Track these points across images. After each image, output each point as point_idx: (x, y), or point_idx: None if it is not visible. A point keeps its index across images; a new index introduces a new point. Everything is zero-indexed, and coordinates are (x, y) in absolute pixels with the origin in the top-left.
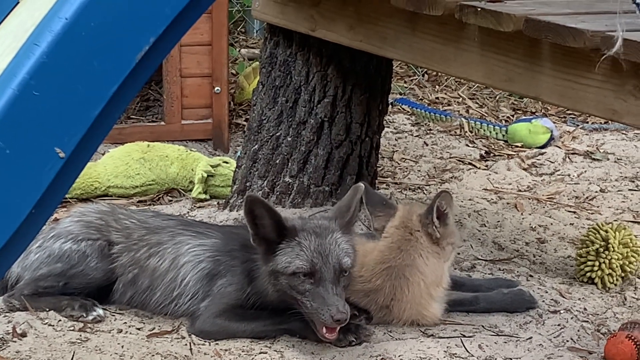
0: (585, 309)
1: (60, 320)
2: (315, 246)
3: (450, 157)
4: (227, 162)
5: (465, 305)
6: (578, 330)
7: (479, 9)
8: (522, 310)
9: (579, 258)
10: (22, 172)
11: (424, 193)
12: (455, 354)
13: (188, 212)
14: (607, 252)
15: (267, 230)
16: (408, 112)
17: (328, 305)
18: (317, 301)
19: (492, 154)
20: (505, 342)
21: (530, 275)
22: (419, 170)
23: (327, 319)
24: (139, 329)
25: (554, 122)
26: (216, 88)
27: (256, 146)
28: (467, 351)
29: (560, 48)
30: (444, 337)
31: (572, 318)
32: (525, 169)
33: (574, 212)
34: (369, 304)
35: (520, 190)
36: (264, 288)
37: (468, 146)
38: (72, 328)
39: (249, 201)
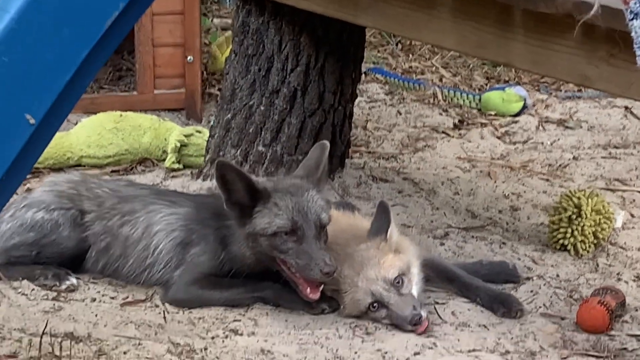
0: (557, 275)
1: (33, 290)
2: (293, 205)
3: (423, 126)
4: (200, 132)
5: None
6: (551, 297)
7: None
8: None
9: (551, 225)
10: None
11: (397, 162)
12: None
13: (161, 182)
14: (579, 219)
15: (239, 195)
16: (382, 81)
17: (315, 260)
18: (303, 258)
19: (465, 123)
20: (478, 309)
21: (503, 243)
22: (393, 140)
23: (317, 274)
24: (112, 297)
25: (527, 90)
26: (189, 57)
27: (229, 115)
28: (441, 318)
29: (532, 14)
30: None
31: (544, 284)
32: (498, 137)
33: (547, 180)
34: None
35: (493, 159)
36: (240, 253)
37: (441, 115)
38: (45, 297)
39: (219, 166)
